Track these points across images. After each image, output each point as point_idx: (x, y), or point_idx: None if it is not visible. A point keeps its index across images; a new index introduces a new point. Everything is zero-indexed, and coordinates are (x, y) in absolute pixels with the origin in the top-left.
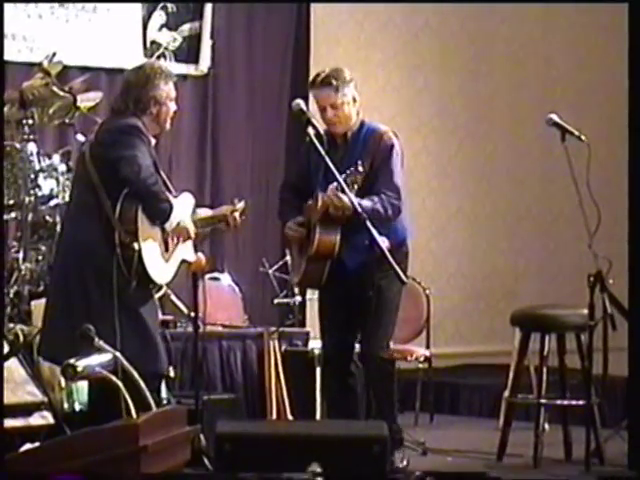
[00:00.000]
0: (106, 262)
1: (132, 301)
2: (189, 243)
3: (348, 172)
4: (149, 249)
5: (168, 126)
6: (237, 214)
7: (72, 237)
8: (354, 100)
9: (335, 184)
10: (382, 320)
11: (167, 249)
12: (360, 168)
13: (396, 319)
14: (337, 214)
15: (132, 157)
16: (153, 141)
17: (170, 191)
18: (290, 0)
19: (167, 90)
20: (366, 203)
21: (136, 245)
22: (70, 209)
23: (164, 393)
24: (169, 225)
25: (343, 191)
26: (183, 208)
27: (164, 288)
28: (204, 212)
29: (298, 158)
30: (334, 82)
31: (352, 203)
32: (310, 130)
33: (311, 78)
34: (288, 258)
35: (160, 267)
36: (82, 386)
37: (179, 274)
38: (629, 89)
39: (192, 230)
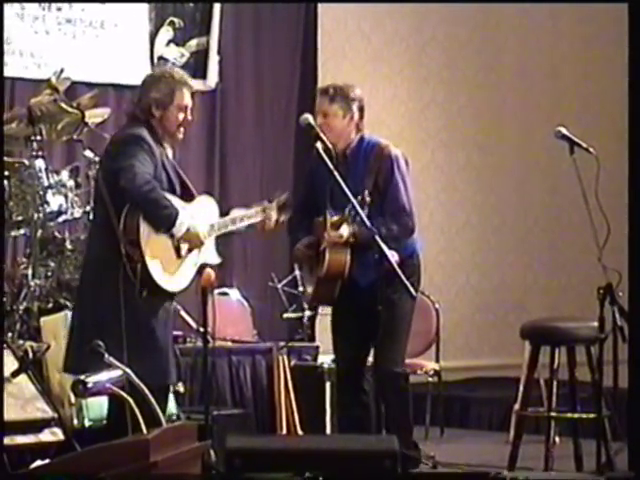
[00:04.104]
0: (114, 275)
1: (141, 312)
2: (210, 246)
3: (350, 207)
4: (155, 258)
5: (180, 135)
6: (275, 210)
7: (87, 252)
8: (351, 118)
9: (333, 217)
10: (395, 336)
11: (180, 255)
12: (367, 198)
13: (409, 334)
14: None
15: (129, 166)
16: (169, 151)
17: (193, 195)
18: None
19: (171, 95)
20: (351, 229)
21: (139, 255)
22: (90, 224)
23: (174, 409)
24: (177, 231)
25: (344, 221)
26: (197, 213)
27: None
28: (237, 212)
29: (304, 178)
30: (331, 92)
31: (354, 234)
32: (318, 145)
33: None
34: (297, 273)
35: (170, 275)
36: (92, 402)
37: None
38: (629, 98)
39: (203, 235)
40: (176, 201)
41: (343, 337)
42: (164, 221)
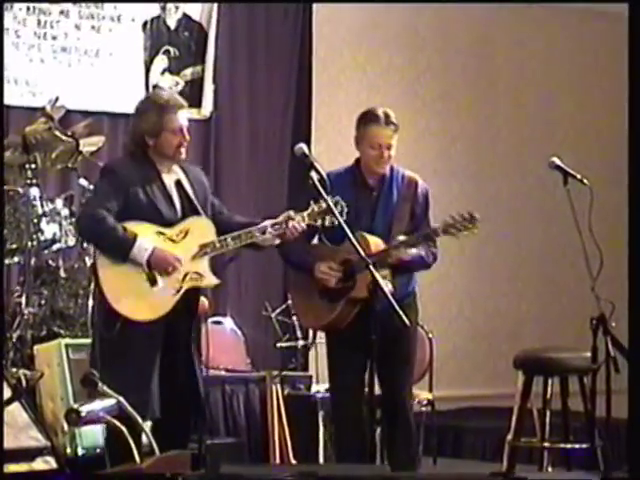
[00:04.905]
0: (95, 310)
1: (115, 346)
2: (201, 268)
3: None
4: (119, 288)
5: (181, 156)
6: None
7: None
8: None
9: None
10: (410, 368)
11: (154, 283)
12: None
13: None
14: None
15: (84, 203)
16: (171, 174)
17: (198, 212)
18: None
19: (160, 122)
20: (414, 251)
21: (99, 288)
22: None
23: None
24: (138, 257)
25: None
26: (184, 236)
27: None
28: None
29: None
30: (395, 122)
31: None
32: (313, 174)
33: (372, 113)
34: (290, 302)
35: (139, 304)
36: (85, 431)
37: None
38: (629, 120)
39: (172, 259)
40: (146, 227)
41: (346, 364)
42: (116, 250)
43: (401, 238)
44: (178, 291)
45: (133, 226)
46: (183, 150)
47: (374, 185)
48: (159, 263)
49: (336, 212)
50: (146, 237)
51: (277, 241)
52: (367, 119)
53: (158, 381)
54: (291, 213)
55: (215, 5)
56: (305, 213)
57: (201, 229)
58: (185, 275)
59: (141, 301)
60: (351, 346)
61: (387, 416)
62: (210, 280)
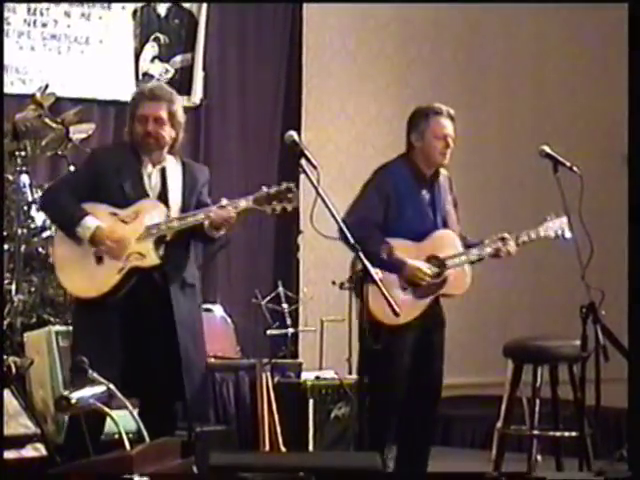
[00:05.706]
0: None
1: (75, 323)
2: (144, 248)
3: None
4: (67, 263)
5: (149, 146)
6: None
7: None
8: None
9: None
10: (444, 354)
11: (101, 261)
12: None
13: None
14: None
15: None
16: (156, 164)
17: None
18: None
19: (133, 109)
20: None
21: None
22: None
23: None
24: (82, 234)
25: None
26: (134, 217)
27: None
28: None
29: (377, 197)
30: (453, 115)
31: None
32: (303, 162)
33: (433, 106)
34: (281, 289)
35: (82, 279)
36: None
37: None
38: (629, 112)
39: (108, 241)
40: (101, 208)
41: (404, 364)
42: (64, 226)
43: (506, 235)
44: (121, 270)
45: (90, 206)
46: (151, 141)
47: (432, 180)
48: (99, 242)
49: (313, 179)
50: (98, 217)
51: (222, 232)
52: (431, 112)
53: (134, 365)
54: (223, 200)
55: None
56: (251, 197)
57: (151, 211)
58: (129, 255)
59: (85, 278)
60: (412, 337)
61: (425, 402)
62: (151, 260)
